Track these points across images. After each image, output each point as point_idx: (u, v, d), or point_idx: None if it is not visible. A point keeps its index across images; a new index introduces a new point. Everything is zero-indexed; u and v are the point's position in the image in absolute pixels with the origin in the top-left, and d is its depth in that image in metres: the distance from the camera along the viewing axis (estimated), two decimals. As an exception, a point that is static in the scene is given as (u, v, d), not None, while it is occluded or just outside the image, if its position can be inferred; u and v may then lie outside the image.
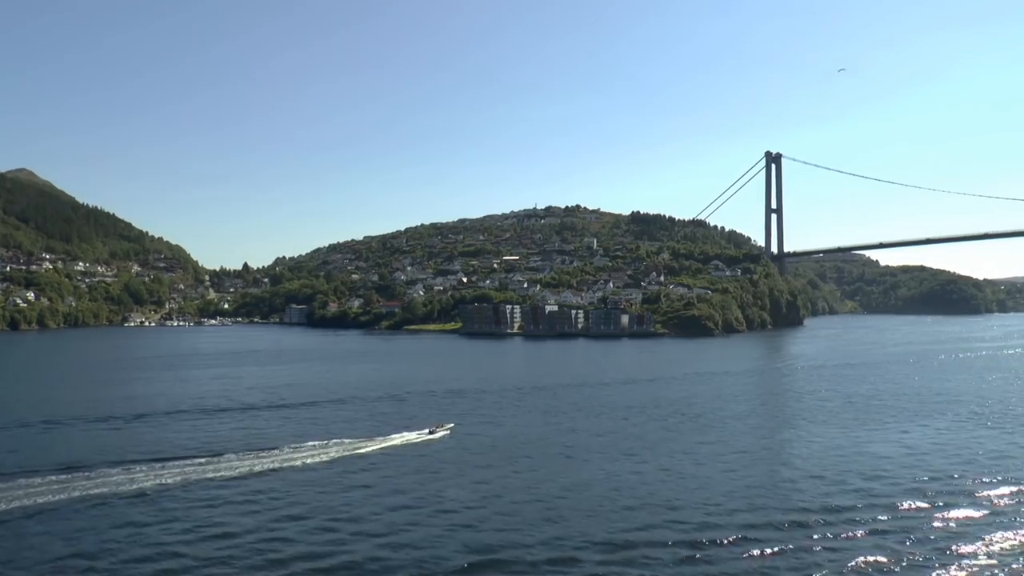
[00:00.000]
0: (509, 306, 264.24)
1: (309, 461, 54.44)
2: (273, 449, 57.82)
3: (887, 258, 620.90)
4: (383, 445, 60.24)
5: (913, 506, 43.72)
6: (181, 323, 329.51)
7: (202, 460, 53.94)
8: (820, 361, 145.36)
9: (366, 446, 59.81)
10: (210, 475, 49.85)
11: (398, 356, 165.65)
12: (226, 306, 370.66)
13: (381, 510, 42.60)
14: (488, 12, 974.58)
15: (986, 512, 42.91)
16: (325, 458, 55.40)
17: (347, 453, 57.31)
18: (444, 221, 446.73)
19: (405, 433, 64.91)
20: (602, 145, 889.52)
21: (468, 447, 60.56)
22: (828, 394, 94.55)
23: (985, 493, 46.68)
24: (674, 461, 55.27)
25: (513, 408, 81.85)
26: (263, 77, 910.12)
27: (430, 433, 65.00)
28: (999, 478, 50.20)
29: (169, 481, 48.13)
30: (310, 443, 59.87)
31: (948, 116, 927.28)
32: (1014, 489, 47.53)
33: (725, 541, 37.58)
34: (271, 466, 52.87)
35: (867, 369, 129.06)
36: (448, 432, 65.88)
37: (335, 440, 61.21)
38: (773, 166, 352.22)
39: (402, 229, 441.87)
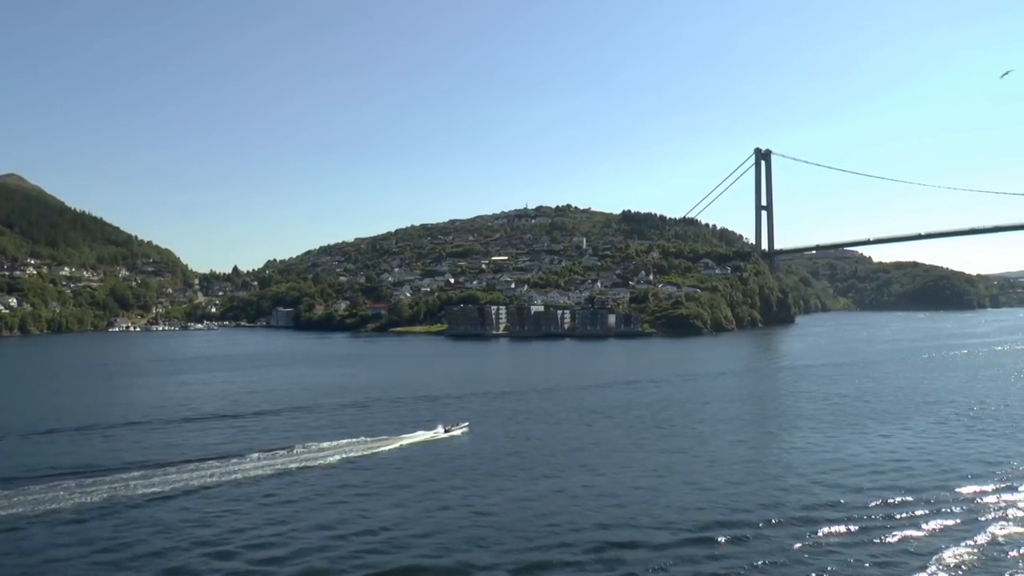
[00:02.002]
0: (495, 307, 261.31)
1: (253, 474, 51.68)
2: (229, 458, 55.07)
3: (880, 254, 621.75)
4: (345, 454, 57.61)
5: (886, 510, 41.83)
6: (167, 328, 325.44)
7: (137, 474, 51.18)
8: (807, 360, 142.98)
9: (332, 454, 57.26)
10: (152, 489, 47.13)
11: (376, 359, 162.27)
12: (214, 310, 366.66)
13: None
14: (479, 13, 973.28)
15: (961, 514, 41.34)
16: (265, 472, 52.66)
17: (296, 465, 54.63)
18: (435, 222, 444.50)
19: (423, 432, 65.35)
20: (594, 145, 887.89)
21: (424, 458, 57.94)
22: (811, 395, 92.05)
23: (964, 495, 45.21)
24: (656, 466, 52.69)
25: (483, 415, 79.09)
26: (256, 81, 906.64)
27: (445, 432, 65.50)
28: (980, 480, 48.43)
29: (96, 499, 45.18)
30: (254, 455, 57.06)
31: (940, 111, 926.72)
32: (986, 489, 46.22)
33: (671, 543, 36.41)
34: (219, 478, 50.35)
35: (855, 368, 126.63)
36: (461, 432, 66.28)
37: (280, 451, 58.50)
38: (763, 163, 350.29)
39: (393, 231, 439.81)
